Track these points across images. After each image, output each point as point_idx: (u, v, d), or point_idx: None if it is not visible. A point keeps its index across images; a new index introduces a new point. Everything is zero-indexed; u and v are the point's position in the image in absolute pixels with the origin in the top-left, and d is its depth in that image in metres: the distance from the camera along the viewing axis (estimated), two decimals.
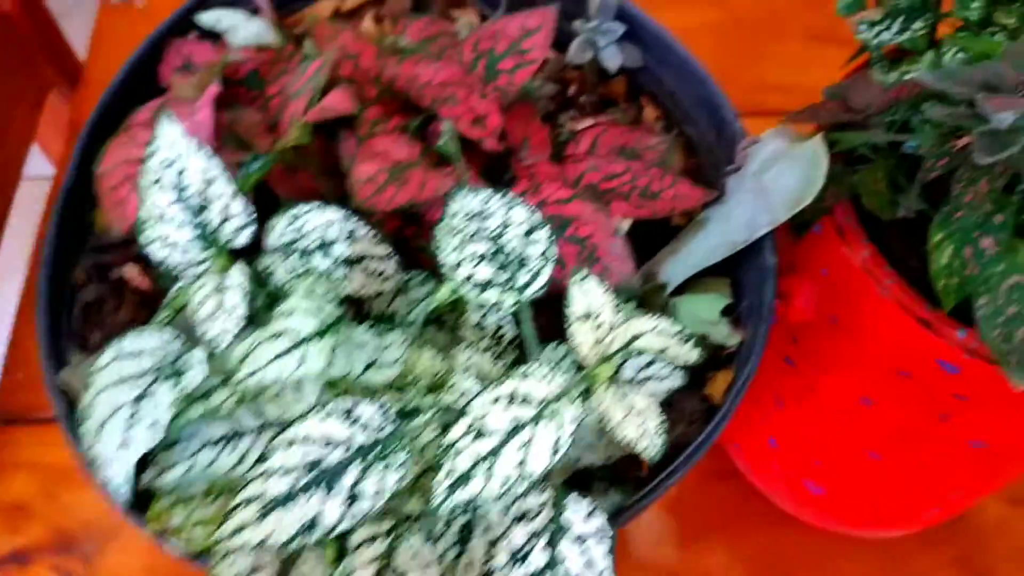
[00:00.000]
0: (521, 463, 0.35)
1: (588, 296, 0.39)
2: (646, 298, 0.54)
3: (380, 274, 0.45)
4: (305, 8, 0.68)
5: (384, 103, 0.49)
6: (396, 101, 0.49)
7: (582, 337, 0.39)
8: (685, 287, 0.57)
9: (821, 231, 0.61)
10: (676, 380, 0.45)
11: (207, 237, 0.44)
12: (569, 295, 0.40)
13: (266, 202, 0.50)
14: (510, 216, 0.42)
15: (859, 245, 0.58)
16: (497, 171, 0.53)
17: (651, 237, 0.57)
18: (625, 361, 0.41)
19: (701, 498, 0.88)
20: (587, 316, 0.39)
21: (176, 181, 0.43)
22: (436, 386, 0.40)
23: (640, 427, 0.37)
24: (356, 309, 0.46)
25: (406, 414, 0.40)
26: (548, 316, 0.43)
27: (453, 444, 0.34)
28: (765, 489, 0.86)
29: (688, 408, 0.51)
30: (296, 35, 0.64)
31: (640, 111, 0.65)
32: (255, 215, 0.44)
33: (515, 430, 0.35)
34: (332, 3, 0.68)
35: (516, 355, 0.44)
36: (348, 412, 0.36)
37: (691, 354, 0.44)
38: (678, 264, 0.56)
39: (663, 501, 0.87)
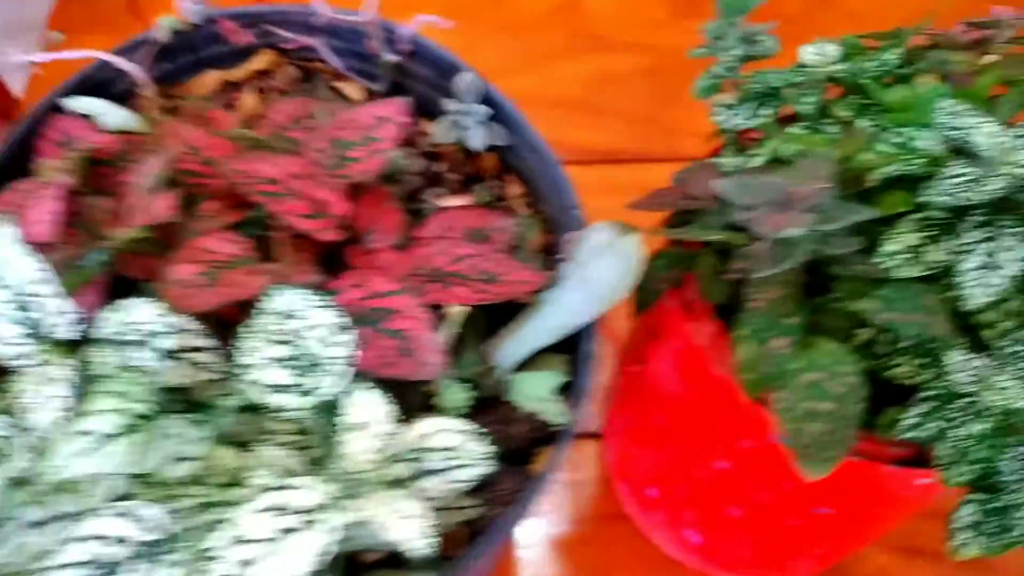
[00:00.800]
0: (282, 568, 0.38)
1: (364, 405, 0.42)
2: (478, 378, 0.57)
3: (205, 365, 0.48)
4: (191, 79, 0.71)
5: (220, 198, 0.52)
6: (234, 196, 0.52)
7: (356, 445, 0.42)
8: (529, 364, 0.60)
9: (673, 305, 0.64)
10: (479, 469, 0.48)
11: (36, 333, 0.47)
12: (343, 405, 0.43)
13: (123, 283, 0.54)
14: (315, 317, 0.45)
15: (703, 322, 0.61)
16: (340, 259, 0.56)
17: (510, 313, 0.60)
18: (413, 460, 0.44)
19: (593, 542, 0.91)
20: (362, 425, 0.42)
21: (3, 280, 0.46)
22: (233, 483, 0.43)
23: (406, 529, 0.40)
24: (183, 397, 0.49)
25: (206, 506, 0.43)
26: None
27: (214, 549, 0.37)
28: (651, 535, 0.89)
29: (508, 487, 0.54)
30: (174, 108, 0.67)
31: (504, 188, 0.68)
32: (81, 311, 0.47)
33: (276, 538, 0.38)
34: (218, 74, 0.72)
35: (325, 448, 0.47)
36: (126, 513, 0.40)
37: (483, 449, 0.47)
38: (516, 344, 0.59)
39: (556, 544, 0.91)
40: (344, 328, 0.46)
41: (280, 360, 0.44)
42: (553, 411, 0.57)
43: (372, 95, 0.72)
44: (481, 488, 0.54)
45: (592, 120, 1.16)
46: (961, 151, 0.51)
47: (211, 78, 0.71)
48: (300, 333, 0.45)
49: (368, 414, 0.42)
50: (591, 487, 0.94)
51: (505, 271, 0.58)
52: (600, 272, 0.56)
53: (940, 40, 0.69)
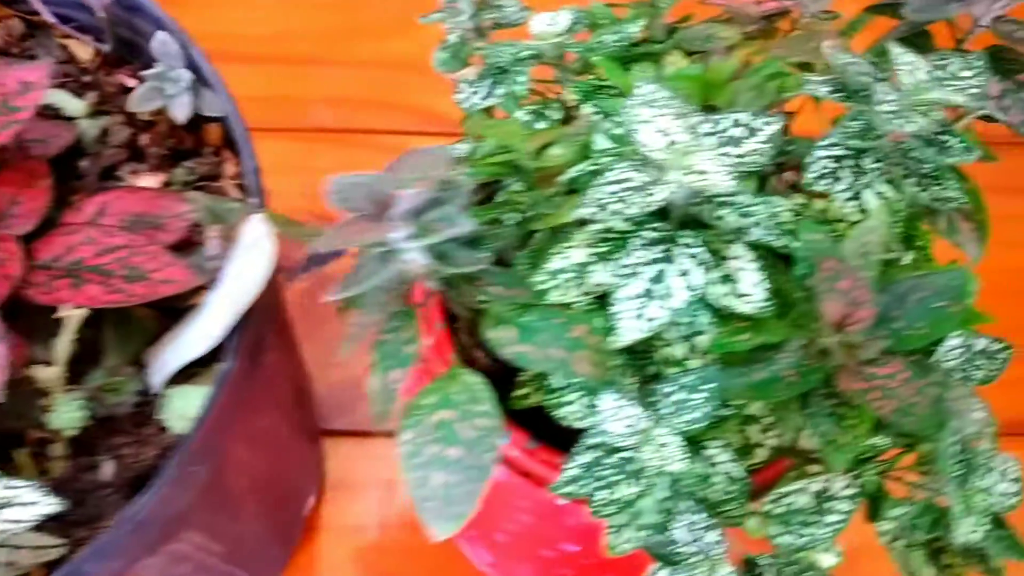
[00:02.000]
0: None
1: None
2: (112, 392, 0.50)
3: None
4: None
5: None
6: None
7: None
8: (190, 376, 0.52)
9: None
10: (37, 509, 0.40)
11: None
12: None
13: None
14: None
15: (432, 329, 0.53)
16: None
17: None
18: None
19: (398, 550, 0.84)
20: None
21: None
22: None
23: None
24: None
25: None
26: None
27: None
28: (460, 546, 0.81)
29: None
30: None
31: (221, 166, 0.60)
32: None
33: None
34: None
35: None
36: None
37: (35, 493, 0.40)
38: (171, 353, 0.51)
39: (358, 552, 0.84)
40: None
41: None
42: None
43: (102, 56, 0.64)
44: (80, 523, 0.47)
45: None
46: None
47: None
48: None
49: None
50: (397, 489, 0.87)
51: (157, 268, 0.50)
52: (242, 271, 0.48)
53: (734, 12, 0.59)
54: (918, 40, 0.48)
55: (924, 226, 0.49)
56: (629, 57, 0.53)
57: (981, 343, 0.47)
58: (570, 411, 0.45)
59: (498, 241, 0.44)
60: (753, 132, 0.40)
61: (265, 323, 0.52)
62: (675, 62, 0.52)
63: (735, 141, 0.40)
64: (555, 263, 0.43)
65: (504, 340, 0.41)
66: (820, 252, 0.40)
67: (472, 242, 0.43)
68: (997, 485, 0.43)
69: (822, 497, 0.42)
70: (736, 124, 0.41)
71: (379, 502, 0.86)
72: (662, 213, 0.43)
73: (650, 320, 0.40)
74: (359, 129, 1.07)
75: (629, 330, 0.40)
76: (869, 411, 0.39)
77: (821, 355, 0.41)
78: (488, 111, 0.57)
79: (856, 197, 0.44)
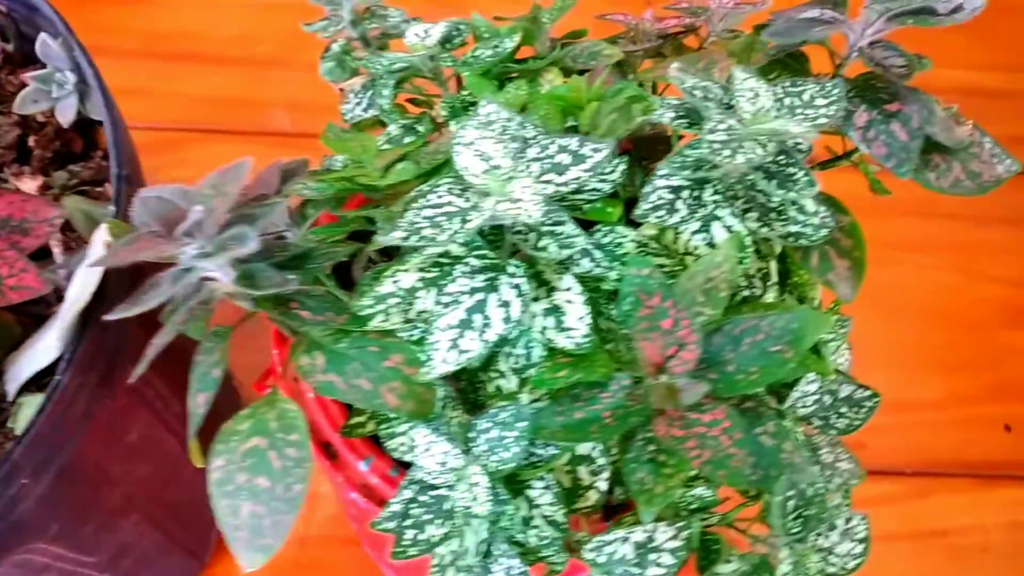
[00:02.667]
0: None
1: None
2: None
3: None
4: None
5: None
6: None
7: None
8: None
9: None
10: None
11: None
12: None
13: None
14: None
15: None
16: None
17: None
18: None
19: (323, 564, 0.82)
20: None
21: None
22: None
23: None
24: None
25: None
26: None
27: None
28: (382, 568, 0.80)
29: None
30: None
31: (108, 168, 0.59)
32: None
33: None
34: None
35: None
36: None
37: None
38: (30, 359, 0.50)
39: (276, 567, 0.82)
40: None
41: None
42: None
43: (3, 54, 0.63)
44: None
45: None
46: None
47: None
48: None
49: None
50: (330, 504, 0.85)
51: (11, 274, 0.49)
52: (83, 280, 0.46)
53: (633, 28, 0.57)
54: (793, 64, 0.45)
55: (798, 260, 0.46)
56: (505, 73, 0.51)
57: (846, 390, 0.44)
58: (399, 443, 0.43)
59: (327, 260, 0.42)
60: (579, 159, 0.38)
61: (119, 334, 0.50)
62: (553, 80, 0.50)
63: (560, 168, 0.38)
64: (384, 287, 0.41)
65: (310, 368, 0.39)
66: (645, 287, 0.38)
67: (299, 260, 0.42)
68: (840, 545, 0.40)
69: (645, 548, 0.39)
70: (562, 150, 0.38)
71: (299, 518, 0.84)
72: (494, 241, 0.41)
73: (463, 352, 0.38)
74: (317, 134, 1.06)
75: (442, 361, 0.38)
76: (686, 461, 0.37)
77: (646, 397, 0.38)
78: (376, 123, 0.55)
79: (705, 230, 0.42)
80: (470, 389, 0.43)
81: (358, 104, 0.54)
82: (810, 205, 0.43)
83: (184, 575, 0.76)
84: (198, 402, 0.40)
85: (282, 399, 0.41)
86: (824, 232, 0.42)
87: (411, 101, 0.56)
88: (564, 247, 0.38)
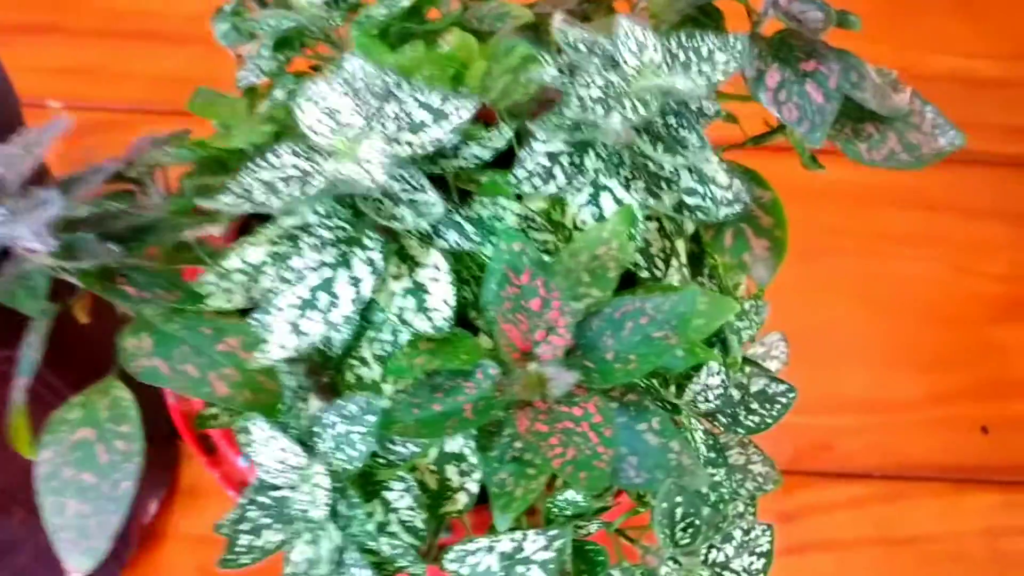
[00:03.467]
0: None
1: None
2: None
3: None
4: None
5: None
6: None
7: None
8: None
9: None
10: None
11: None
12: None
13: None
14: None
15: None
16: None
17: None
18: None
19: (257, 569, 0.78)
20: None
21: None
22: None
23: None
24: None
25: None
26: None
27: None
28: None
29: None
30: None
31: None
32: None
33: None
34: None
35: None
36: None
37: None
38: None
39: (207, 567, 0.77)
40: None
41: None
42: None
43: None
44: None
45: None
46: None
47: None
48: None
49: None
50: None
51: None
52: None
53: None
54: (705, 20, 0.41)
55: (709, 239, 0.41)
56: (404, 35, 0.47)
57: (759, 383, 0.40)
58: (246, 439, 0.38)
59: (172, 232, 0.37)
60: (440, 117, 0.34)
61: None
62: (451, 42, 0.46)
63: (417, 127, 0.34)
64: (231, 261, 0.37)
65: (135, 351, 0.35)
66: (514, 264, 0.33)
67: (139, 233, 0.37)
68: (736, 560, 0.35)
69: (513, 559, 0.35)
70: (422, 106, 0.34)
71: None
72: (354, 211, 0.36)
73: (303, 335, 0.33)
74: None
75: (279, 345, 0.34)
76: (546, 464, 0.32)
77: (512, 389, 0.34)
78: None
79: (594, 202, 0.37)
80: (332, 380, 0.38)
81: (251, 71, 0.50)
82: (721, 177, 0.38)
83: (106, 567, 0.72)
84: (16, 386, 0.36)
85: (116, 386, 0.37)
86: (732, 209, 0.37)
87: (312, 68, 0.52)
88: (421, 215, 0.34)
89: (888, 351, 0.92)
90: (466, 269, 0.38)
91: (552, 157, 0.35)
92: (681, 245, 0.40)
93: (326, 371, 0.39)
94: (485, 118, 0.41)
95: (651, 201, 0.35)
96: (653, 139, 0.34)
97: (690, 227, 0.42)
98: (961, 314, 0.95)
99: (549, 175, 0.35)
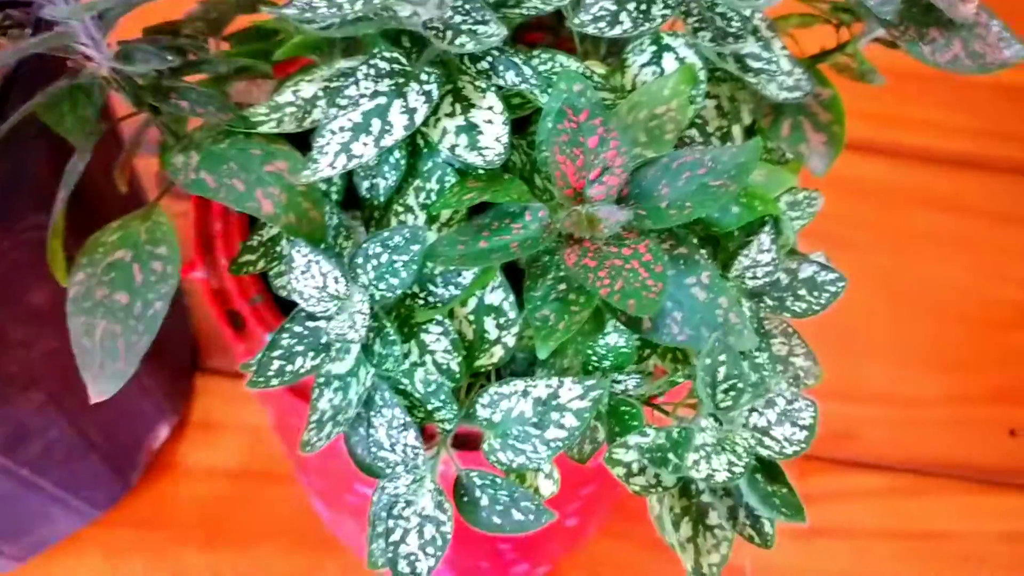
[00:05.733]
0: None
1: None
2: None
3: None
4: None
5: None
6: None
7: None
8: None
9: None
10: None
11: None
12: None
13: None
14: None
15: None
16: None
17: None
18: None
19: (258, 505, 0.77)
20: None
21: None
22: None
23: None
24: None
25: None
26: None
27: None
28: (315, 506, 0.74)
29: None
30: None
31: None
32: None
33: None
34: None
35: None
36: None
37: None
38: None
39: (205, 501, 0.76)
40: None
41: None
42: None
43: None
44: None
45: None
46: None
47: None
48: None
49: None
50: (266, 437, 0.80)
51: None
52: None
53: None
54: None
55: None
56: None
57: (808, 269, 0.39)
58: (284, 281, 0.38)
59: (225, 66, 0.37)
60: None
61: (17, 164, 0.45)
62: None
63: None
64: (284, 96, 0.36)
65: (182, 165, 0.34)
66: (573, 103, 0.33)
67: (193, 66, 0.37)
68: (777, 428, 0.34)
69: (547, 405, 0.34)
70: None
71: (241, 450, 0.79)
72: (413, 49, 0.36)
73: (354, 156, 0.33)
74: None
75: (328, 165, 0.33)
76: (594, 293, 0.31)
77: (561, 230, 0.33)
78: None
79: (656, 62, 0.37)
80: (374, 224, 0.37)
81: None
82: (783, 62, 0.38)
83: (105, 493, 0.71)
84: (59, 198, 0.35)
85: (157, 211, 0.37)
86: (792, 94, 0.37)
87: None
88: (481, 44, 0.33)
89: (912, 348, 0.91)
90: (514, 134, 0.38)
91: (619, 2, 0.34)
92: (737, 130, 0.40)
93: (364, 211, 0.38)
94: None
95: (716, 56, 0.35)
96: None
97: (747, 117, 0.41)
98: (987, 317, 0.93)
99: (615, 19, 0.34)
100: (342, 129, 0.33)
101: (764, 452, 0.34)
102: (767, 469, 0.34)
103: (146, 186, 0.66)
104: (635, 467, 0.34)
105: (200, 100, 0.34)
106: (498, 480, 0.34)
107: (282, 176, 0.34)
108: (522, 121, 0.38)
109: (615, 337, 0.35)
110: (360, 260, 0.34)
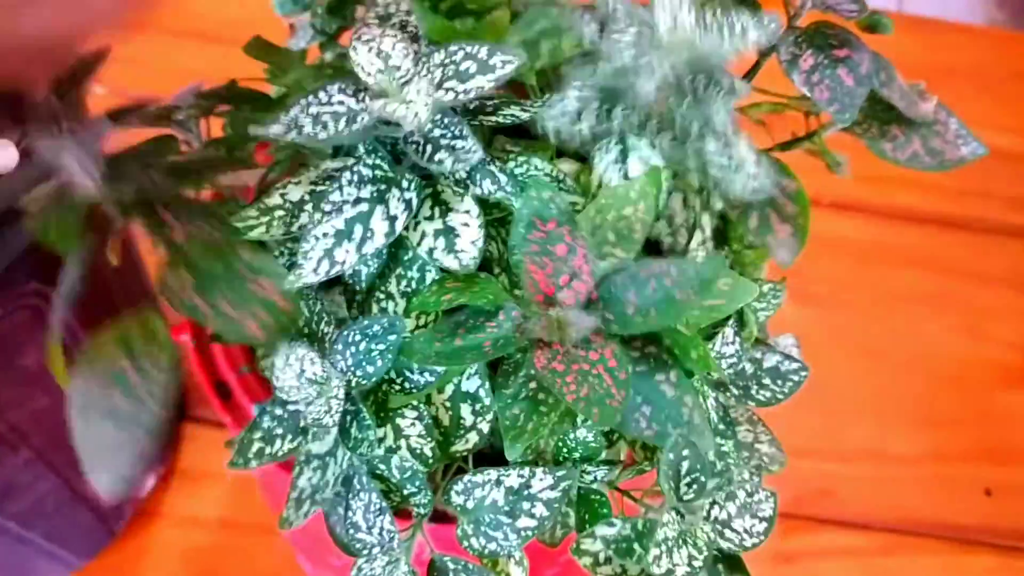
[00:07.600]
0: None
1: None
2: None
3: None
4: None
5: None
6: None
7: None
8: None
9: None
10: None
11: None
12: None
13: None
14: None
15: None
16: None
17: None
18: None
19: (244, 556, 0.78)
20: None
21: None
22: None
23: None
24: None
25: None
26: None
27: None
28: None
29: None
30: None
31: None
32: None
33: None
34: None
35: None
36: None
37: None
38: None
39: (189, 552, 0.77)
40: None
41: None
42: None
43: None
44: None
45: None
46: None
47: None
48: None
49: None
50: (252, 488, 0.81)
51: None
52: None
53: None
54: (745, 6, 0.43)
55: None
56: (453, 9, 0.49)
57: (772, 359, 0.41)
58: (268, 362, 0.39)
59: (212, 172, 0.39)
60: (485, 69, 0.35)
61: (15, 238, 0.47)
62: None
63: (464, 76, 0.35)
64: (272, 199, 0.38)
65: (177, 288, 0.36)
66: (542, 212, 0.35)
67: (181, 171, 0.39)
68: (738, 520, 0.36)
69: (519, 495, 0.35)
70: (468, 57, 0.35)
71: (228, 500, 0.80)
72: (393, 156, 0.38)
73: (336, 263, 0.35)
74: None
75: (312, 270, 0.35)
76: (562, 398, 0.33)
77: (532, 331, 0.35)
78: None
79: (622, 162, 0.39)
80: (355, 307, 0.39)
81: (303, 36, 0.52)
82: (748, 156, 0.40)
83: (89, 541, 0.72)
84: (55, 319, 0.37)
85: (153, 318, 0.38)
86: (756, 185, 0.38)
87: None
88: (460, 161, 0.35)
89: (892, 406, 0.92)
90: (492, 228, 0.40)
91: (582, 100, 0.36)
92: (707, 219, 0.42)
93: (351, 301, 0.40)
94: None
95: (677, 158, 0.37)
96: (681, 96, 0.36)
97: (717, 204, 0.43)
98: (969, 377, 0.95)
99: (577, 117, 0.36)
100: (326, 235, 0.35)
101: (725, 545, 0.35)
102: (728, 560, 0.36)
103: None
104: (601, 556, 0.35)
105: (192, 217, 0.36)
106: (470, 566, 0.36)
107: (266, 295, 0.36)
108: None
109: (584, 432, 0.36)
110: (340, 346, 0.36)
